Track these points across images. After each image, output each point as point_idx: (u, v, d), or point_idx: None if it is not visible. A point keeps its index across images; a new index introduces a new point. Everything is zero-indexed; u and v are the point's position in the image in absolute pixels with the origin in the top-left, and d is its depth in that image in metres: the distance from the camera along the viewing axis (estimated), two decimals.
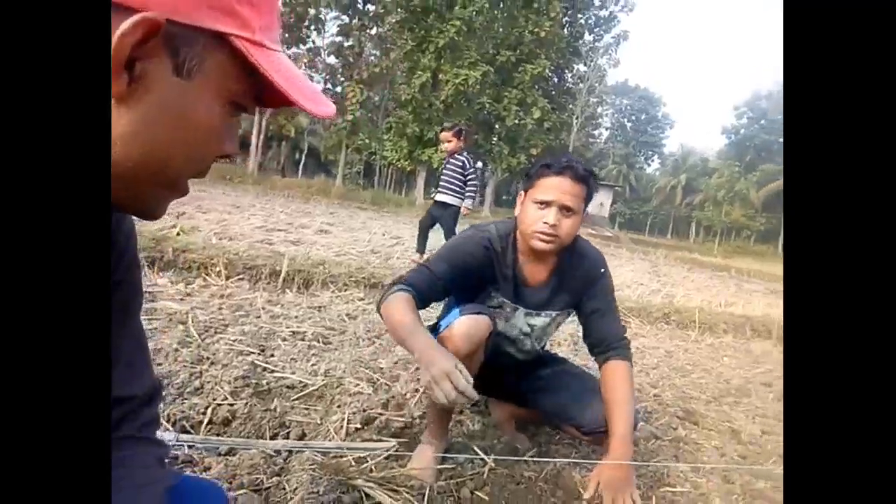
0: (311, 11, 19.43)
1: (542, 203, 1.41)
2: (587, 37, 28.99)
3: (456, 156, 4.82)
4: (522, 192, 1.50)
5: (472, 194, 4.89)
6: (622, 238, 21.94)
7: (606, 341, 1.53)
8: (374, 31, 23.71)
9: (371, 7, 22.14)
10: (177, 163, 0.46)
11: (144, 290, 2.83)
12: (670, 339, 3.98)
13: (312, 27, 20.14)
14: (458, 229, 4.93)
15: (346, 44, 22.08)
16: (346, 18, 22.14)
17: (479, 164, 4.81)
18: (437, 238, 4.82)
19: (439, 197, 4.93)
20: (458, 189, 4.82)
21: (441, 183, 4.93)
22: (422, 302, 1.38)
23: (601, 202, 31.68)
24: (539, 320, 1.61)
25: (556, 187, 1.40)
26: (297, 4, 18.70)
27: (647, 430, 2.00)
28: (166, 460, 0.70)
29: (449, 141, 4.77)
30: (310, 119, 34.02)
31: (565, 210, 1.40)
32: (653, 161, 63.89)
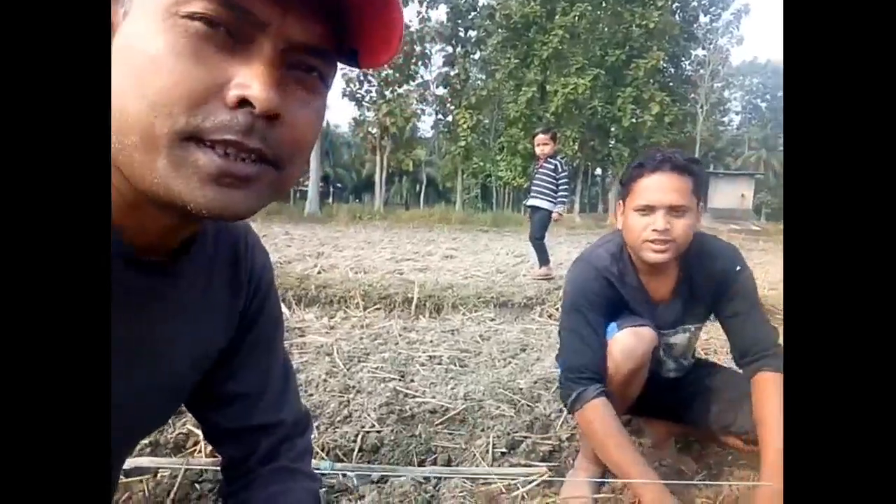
0: (417, 48, 20.38)
1: (644, 209, 1.23)
2: (703, 19, 26.90)
3: (549, 160, 4.64)
4: (621, 202, 1.33)
5: (564, 199, 4.69)
6: (772, 230, 19.59)
7: (754, 349, 1.30)
8: (477, 56, 24.22)
9: (473, 33, 22.68)
10: (145, 110, 0.37)
11: (294, 326, 3.07)
12: None
13: (420, 63, 21.08)
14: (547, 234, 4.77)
15: (452, 73, 22.80)
16: (449, 49, 22.92)
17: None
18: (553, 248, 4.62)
19: (531, 202, 4.76)
20: (551, 193, 4.62)
21: (533, 187, 4.75)
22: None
23: (742, 193, 28.62)
24: (678, 338, 1.44)
25: (655, 187, 1.21)
26: (404, 44, 19.75)
27: None
28: (322, 490, 0.70)
29: (546, 144, 4.62)
30: (426, 150, 35.47)
31: (673, 210, 1.21)
32: None
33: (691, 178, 1.23)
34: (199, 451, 1.52)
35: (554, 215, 4.64)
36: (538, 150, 4.71)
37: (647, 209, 1.22)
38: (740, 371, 1.38)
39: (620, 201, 1.33)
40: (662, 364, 1.48)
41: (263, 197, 0.43)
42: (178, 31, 0.37)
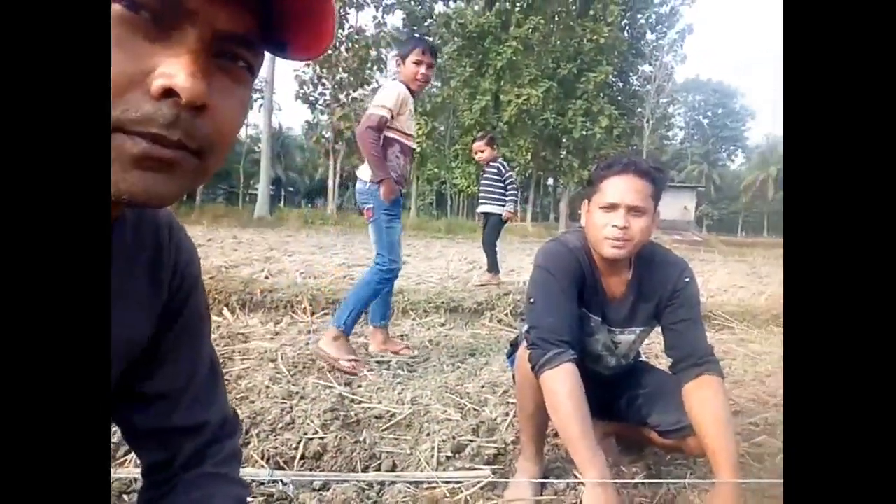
0: (373, 53, 20.23)
1: (607, 207, 1.31)
2: (649, 36, 28.03)
3: (490, 164, 4.77)
4: (586, 202, 1.42)
5: (515, 198, 4.81)
6: (713, 241, 20.58)
7: (695, 355, 1.36)
8: None
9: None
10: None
11: (237, 332, 2.95)
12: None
13: (375, 68, 20.93)
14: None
15: None
16: None
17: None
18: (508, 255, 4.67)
19: (482, 208, 4.87)
20: (499, 196, 4.73)
21: (481, 194, 4.87)
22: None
23: (685, 205, 29.91)
24: (623, 338, 1.50)
25: (619, 187, 1.30)
26: (359, 48, 19.58)
27: (775, 444, 1.78)
28: (248, 499, 0.67)
29: (482, 150, 4.73)
30: None
31: (634, 211, 1.30)
32: (736, 156, 60.17)
33: (651, 184, 1.32)
34: (129, 462, 1.44)
35: (504, 214, 4.72)
36: (476, 157, 4.83)
37: (611, 207, 1.31)
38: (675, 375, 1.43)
39: (586, 200, 1.42)
40: (599, 359, 1.53)
41: (186, 183, 0.41)
42: (122, 21, 0.35)
